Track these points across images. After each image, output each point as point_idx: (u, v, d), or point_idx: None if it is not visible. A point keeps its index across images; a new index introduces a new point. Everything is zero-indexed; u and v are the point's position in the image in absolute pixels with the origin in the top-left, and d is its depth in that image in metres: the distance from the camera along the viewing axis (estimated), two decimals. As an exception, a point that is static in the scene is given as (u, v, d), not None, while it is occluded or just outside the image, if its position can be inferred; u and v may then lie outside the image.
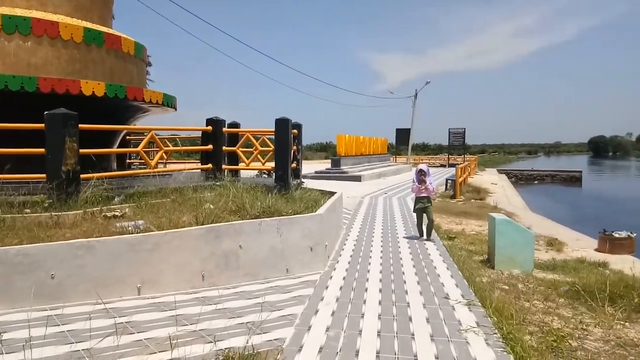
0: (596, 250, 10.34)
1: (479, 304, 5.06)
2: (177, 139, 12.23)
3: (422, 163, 9.30)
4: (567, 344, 4.32)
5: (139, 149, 7.33)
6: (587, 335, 4.71)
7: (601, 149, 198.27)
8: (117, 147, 9.75)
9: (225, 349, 3.64)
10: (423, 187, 8.60)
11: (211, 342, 3.81)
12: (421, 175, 8.62)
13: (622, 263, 8.71)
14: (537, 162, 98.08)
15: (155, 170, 7.75)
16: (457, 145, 45.65)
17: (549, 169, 53.76)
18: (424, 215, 8.62)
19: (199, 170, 9.35)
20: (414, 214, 9.08)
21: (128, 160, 12.16)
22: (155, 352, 3.55)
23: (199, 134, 9.14)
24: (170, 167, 10.83)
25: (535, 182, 45.63)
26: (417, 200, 8.69)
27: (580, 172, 48.22)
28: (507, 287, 6.30)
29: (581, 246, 10.78)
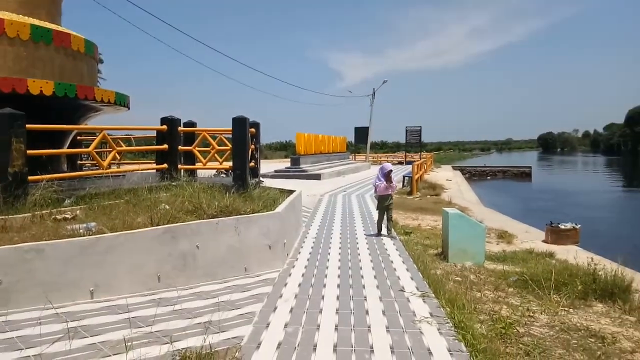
0: (544, 241, 10.85)
1: (433, 295, 5.23)
2: (132, 139, 11.93)
3: (386, 162, 9.49)
4: (515, 330, 4.53)
5: (90, 149, 7.12)
6: (534, 321, 4.95)
7: (550, 145, 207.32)
8: (68, 148, 9.42)
9: (182, 349, 3.62)
10: (389, 186, 8.82)
11: (168, 343, 3.77)
12: (390, 174, 8.85)
13: (567, 253, 9.18)
14: (490, 158, 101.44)
15: (108, 171, 7.55)
16: (414, 143, 46.57)
17: (501, 165, 55.76)
18: (386, 212, 8.85)
19: (154, 170, 9.18)
20: (376, 211, 9.25)
21: (79, 162, 11.76)
22: (110, 355, 3.49)
23: (154, 133, 8.96)
24: (123, 167, 10.56)
25: (488, 177, 47.19)
26: (383, 198, 8.85)
27: (530, 167, 50.23)
28: (459, 279, 6.53)
29: (530, 238, 11.28)
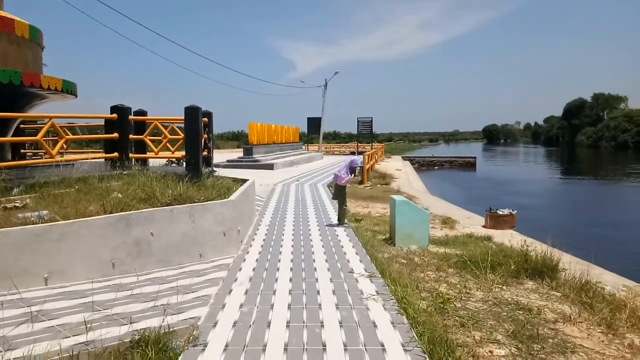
0: (483, 226, 11.56)
1: (379, 276, 5.60)
2: (77, 128, 11.62)
3: (354, 155, 9.86)
4: (453, 305, 4.96)
5: (38, 137, 6.98)
6: (470, 297, 5.41)
7: (494, 137, 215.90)
8: (12, 136, 9.12)
9: (141, 329, 3.78)
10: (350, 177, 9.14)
11: (126, 324, 3.91)
12: (357, 168, 9.24)
13: (504, 237, 9.86)
14: (438, 149, 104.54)
15: (57, 159, 7.42)
16: (365, 133, 47.35)
17: (448, 155, 57.76)
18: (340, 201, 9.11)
19: (103, 159, 9.06)
20: (333, 200, 9.61)
21: (22, 150, 11.36)
22: (70, 336, 3.60)
23: (98, 122, 8.81)
24: (72, 156, 10.31)
25: (436, 167, 48.83)
26: (342, 188, 9.06)
27: (475, 158, 52.36)
28: (405, 261, 6.95)
29: (471, 223, 11.98)
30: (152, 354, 3.51)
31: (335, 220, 9.24)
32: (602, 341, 4.42)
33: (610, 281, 7.45)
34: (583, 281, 6.07)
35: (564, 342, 4.19)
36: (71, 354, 3.33)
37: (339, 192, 9.11)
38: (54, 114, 7.32)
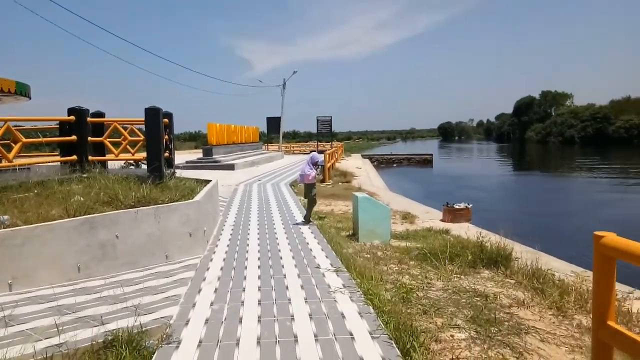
0: (441, 220, 12.01)
1: (345, 270, 5.80)
2: (36, 131, 11.25)
3: (314, 152, 9.85)
4: (415, 295, 5.21)
5: (-7, 141, 6.78)
6: (431, 287, 5.69)
7: (449, 134, 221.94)
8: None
9: (113, 330, 3.80)
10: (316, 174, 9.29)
11: (97, 325, 3.93)
12: (318, 162, 9.26)
13: (461, 229, 10.30)
14: (396, 147, 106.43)
15: (15, 163, 7.21)
16: (324, 132, 47.62)
17: (406, 153, 58.90)
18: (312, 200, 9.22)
19: (59, 162, 8.84)
20: (301, 199, 9.72)
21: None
22: (42, 339, 3.59)
23: (47, 124, 8.56)
24: (25, 160, 9.98)
25: (394, 165, 49.77)
26: (311, 186, 9.12)
27: (431, 155, 53.72)
28: (368, 256, 7.19)
29: (430, 218, 12.41)
30: (126, 353, 3.55)
31: (299, 219, 9.38)
32: (553, 322, 4.78)
33: (559, 268, 7.94)
34: (534, 268, 6.49)
35: (518, 325, 4.49)
36: (45, 356, 3.33)
37: (308, 190, 9.15)
38: (9, 116, 7.10)
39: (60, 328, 3.78)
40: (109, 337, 3.67)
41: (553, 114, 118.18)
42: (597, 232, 3.03)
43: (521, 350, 3.93)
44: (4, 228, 4.98)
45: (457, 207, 11.97)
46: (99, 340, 3.64)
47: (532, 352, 3.94)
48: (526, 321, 4.65)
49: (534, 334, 4.33)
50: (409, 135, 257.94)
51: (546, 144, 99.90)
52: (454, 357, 3.73)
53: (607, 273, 2.95)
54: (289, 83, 46.46)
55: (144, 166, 13.45)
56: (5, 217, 5.27)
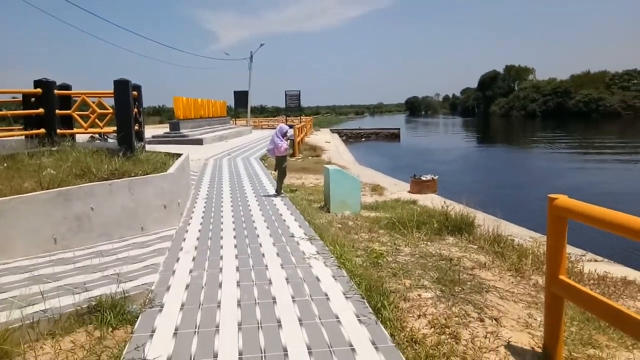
0: (409, 192, 12.41)
1: (319, 238, 6.04)
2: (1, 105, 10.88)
3: (282, 124, 9.65)
4: (385, 259, 5.50)
5: (-43, 113, 6.60)
6: (400, 252, 5.99)
7: (415, 108, 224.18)
8: None
9: (96, 296, 3.93)
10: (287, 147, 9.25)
11: (80, 292, 4.04)
12: (290, 137, 9.32)
13: (427, 200, 10.69)
14: (364, 121, 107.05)
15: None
16: (293, 107, 47.42)
17: (374, 127, 59.45)
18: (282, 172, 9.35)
19: (24, 136, 8.66)
20: (272, 172, 9.77)
21: None
22: (26, 306, 3.69)
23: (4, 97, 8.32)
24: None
25: (363, 139, 50.23)
26: (282, 159, 9.25)
27: (399, 129, 54.45)
28: (340, 225, 7.44)
29: (398, 190, 12.80)
30: (110, 317, 3.69)
31: (271, 191, 9.53)
32: (512, 282, 5.16)
33: (519, 233, 8.41)
34: (495, 234, 6.89)
35: (480, 284, 4.84)
36: (32, 320, 3.44)
37: (280, 163, 9.25)
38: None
39: (44, 295, 3.87)
40: (93, 303, 3.80)
41: (516, 88, 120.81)
42: (550, 195, 3.34)
43: (482, 306, 4.26)
44: (-24, 201, 4.95)
45: (423, 178, 12.37)
46: (83, 306, 3.76)
47: (492, 307, 4.28)
48: (487, 281, 5.00)
49: (494, 292, 4.68)
50: (377, 109, 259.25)
51: (509, 118, 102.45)
52: (421, 313, 4.03)
53: (559, 231, 3.27)
54: (256, 56, 45.86)
55: (111, 140, 13.29)
56: (-23, 190, 5.23)
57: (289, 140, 9.37)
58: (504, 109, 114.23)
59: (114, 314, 3.72)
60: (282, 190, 9.55)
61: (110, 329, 3.61)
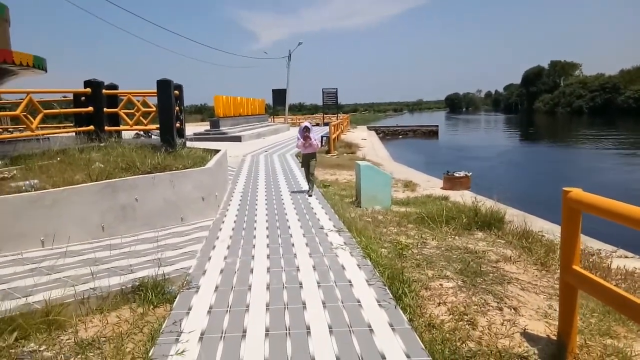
0: (442, 188, 12.44)
1: (347, 230, 6.27)
2: (54, 103, 11.71)
3: (304, 121, 9.65)
4: (410, 251, 5.68)
5: (18, 112, 7.22)
6: (426, 245, 6.14)
7: (456, 105, 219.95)
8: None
9: (140, 278, 4.31)
10: (307, 144, 9.11)
11: (125, 274, 4.44)
12: (305, 132, 9.10)
13: (460, 196, 10.70)
14: (402, 119, 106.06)
15: (38, 133, 7.67)
16: (330, 104, 47.75)
17: (412, 124, 58.94)
18: (308, 169, 9.28)
19: (74, 133, 9.30)
20: (302, 169, 9.70)
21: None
22: (79, 284, 4.11)
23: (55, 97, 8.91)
24: (46, 131, 10.44)
25: (400, 136, 49.91)
26: (305, 156, 9.32)
27: (437, 126, 53.74)
28: (369, 219, 7.63)
29: (430, 186, 12.84)
30: (152, 296, 4.07)
31: (305, 187, 9.81)
32: (536, 275, 5.23)
33: (550, 229, 8.31)
34: (524, 230, 6.92)
35: (502, 276, 4.95)
36: (83, 297, 3.85)
37: (302, 159, 9.34)
38: (31, 89, 7.52)
39: (94, 276, 4.29)
40: (137, 284, 4.18)
41: (562, 84, 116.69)
42: (565, 188, 3.45)
43: (502, 296, 4.39)
44: (34, 191, 5.46)
45: (457, 175, 12.37)
46: (127, 286, 4.15)
47: (512, 298, 4.40)
48: (510, 274, 5.10)
49: (515, 284, 4.78)
50: (416, 106, 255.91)
51: (554, 115, 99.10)
52: (441, 301, 4.21)
53: (573, 223, 3.39)
54: (294, 55, 46.35)
55: (154, 136, 13.93)
56: (35, 181, 5.76)
57: (310, 139, 9.10)
58: (549, 106, 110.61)
59: (155, 294, 4.09)
60: (316, 187, 9.78)
61: (152, 307, 3.98)
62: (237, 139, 23.75)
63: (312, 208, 7.82)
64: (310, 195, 8.91)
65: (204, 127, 29.72)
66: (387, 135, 49.93)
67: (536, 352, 3.38)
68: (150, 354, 3.13)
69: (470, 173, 12.56)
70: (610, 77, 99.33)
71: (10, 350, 3.18)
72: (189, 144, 11.58)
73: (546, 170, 23.35)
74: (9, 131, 11.04)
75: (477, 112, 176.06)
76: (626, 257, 6.76)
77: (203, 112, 79.86)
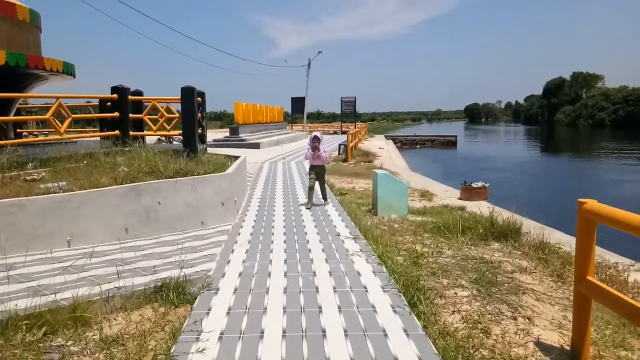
0: (459, 198, 12.41)
1: (363, 237, 6.36)
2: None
3: (316, 131, 9.41)
4: (426, 260, 5.73)
5: (47, 116, 7.50)
6: (441, 254, 6.19)
7: (475, 116, 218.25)
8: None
9: (162, 278, 4.46)
10: (315, 155, 8.66)
11: (148, 275, 4.60)
12: (315, 142, 8.66)
13: (477, 207, 10.69)
14: (420, 128, 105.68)
15: (65, 136, 7.96)
16: (348, 113, 47.93)
17: (430, 134, 58.72)
18: (317, 182, 8.79)
19: (99, 137, 9.59)
20: (308, 181, 8.90)
21: (19, 130, 11.76)
22: (104, 283, 4.27)
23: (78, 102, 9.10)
24: (73, 135, 10.79)
25: (418, 146, 49.77)
26: (311, 167, 8.85)
27: (456, 136, 53.46)
28: (385, 228, 7.70)
29: (448, 196, 12.82)
30: (173, 296, 4.21)
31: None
32: (552, 287, 5.24)
33: (568, 242, 8.29)
34: (541, 241, 6.90)
35: (517, 286, 4.97)
36: (108, 295, 4.01)
37: (310, 172, 8.83)
38: (61, 94, 7.81)
39: (119, 275, 4.46)
40: (159, 284, 4.33)
41: (584, 96, 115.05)
42: (580, 199, 3.50)
43: (516, 306, 4.42)
44: (61, 192, 5.68)
45: (474, 185, 12.35)
46: (150, 286, 4.30)
47: (527, 308, 4.43)
48: (526, 284, 5.12)
49: (531, 295, 4.81)
50: (435, 116, 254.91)
51: (576, 127, 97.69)
52: (455, 309, 4.26)
53: (588, 234, 3.43)
54: (313, 63, 46.73)
55: (175, 142, 14.22)
56: (63, 183, 5.98)
57: (319, 150, 8.63)
58: (570, 118, 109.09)
59: (177, 294, 4.23)
60: (329, 190, 9.79)
61: (173, 307, 4.12)
62: (256, 146, 24.03)
63: (329, 215, 7.93)
64: (308, 209, 8.37)
65: (223, 133, 30.12)
66: (404, 144, 49.84)
67: (549, 361, 3.42)
68: (172, 352, 3.26)
69: (488, 184, 12.52)
70: (634, 89, 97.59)
71: (39, 345, 3.33)
72: (209, 150, 11.82)
73: (565, 182, 23.09)
74: (35, 135, 11.43)
75: (496, 122, 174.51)
76: (645, 271, 6.69)
77: (222, 118, 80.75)
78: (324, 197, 9.05)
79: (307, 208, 8.43)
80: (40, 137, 9.65)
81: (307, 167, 15.52)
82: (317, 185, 8.96)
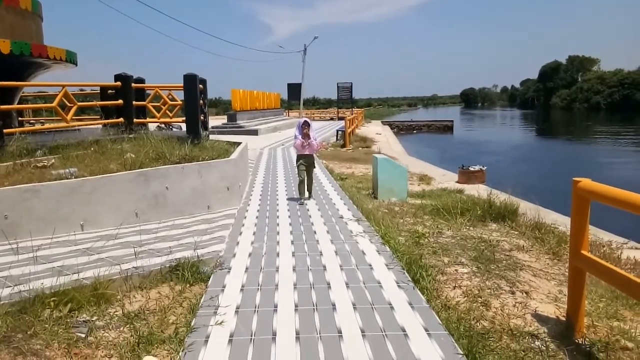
0: (457, 182, 12.65)
1: (365, 219, 6.56)
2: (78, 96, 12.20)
3: (303, 117, 8.50)
4: (427, 240, 5.96)
5: (54, 104, 7.63)
6: (441, 235, 6.41)
7: (471, 100, 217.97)
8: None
9: (177, 259, 4.67)
10: (307, 143, 7.79)
11: (163, 255, 4.80)
12: (305, 129, 7.82)
13: (475, 190, 10.92)
14: (416, 113, 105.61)
15: (72, 124, 8.08)
16: (345, 99, 47.91)
17: (426, 119, 58.83)
18: (306, 175, 7.88)
19: (102, 125, 9.71)
20: (298, 174, 7.87)
21: (20, 118, 11.86)
22: (120, 264, 4.47)
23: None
24: (77, 122, 10.89)
25: (414, 131, 49.94)
26: (301, 157, 7.87)
27: (452, 121, 53.65)
28: (386, 210, 7.92)
29: (446, 180, 13.06)
30: (188, 275, 4.42)
31: (322, 178, 10.09)
32: (548, 264, 5.48)
33: (563, 222, 8.53)
34: (537, 221, 7.14)
35: (515, 263, 5.21)
36: (126, 275, 4.21)
37: (297, 161, 7.96)
38: (66, 82, 7.92)
39: (136, 256, 4.66)
40: (174, 264, 4.53)
41: (579, 79, 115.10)
42: (575, 178, 3.71)
43: (514, 281, 4.65)
44: (73, 178, 5.85)
45: (472, 169, 12.57)
46: (166, 266, 4.50)
47: (524, 283, 4.67)
48: (523, 261, 5.35)
49: (528, 271, 5.04)
50: (431, 101, 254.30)
51: (571, 111, 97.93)
52: (456, 285, 4.49)
53: (582, 211, 3.64)
54: (309, 49, 46.60)
55: (175, 129, 14.35)
56: (74, 169, 6.15)
57: (309, 137, 7.84)
58: (566, 101, 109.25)
59: (191, 273, 4.44)
60: (330, 175, 10.02)
61: (188, 285, 4.33)
62: (254, 132, 24.12)
63: (331, 199, 8.12)
64: (302, 204, 7.57)
65: (220, 120, 30.19)
66: (401, 129, 49.99)
67: (546, 330, 3.64)
68: (192, 324, 3.47)
69: (485, 167, 12.75)
70: (629, 73, 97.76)
71: (67, 320, 3.54)
72: (210, 136, 11.95)
73: (561, 165, 23.38)
74: (41, 123, 11.54)
75: (492, 107, 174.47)
76: (637, 248, 6.95)
77: (218, 105, 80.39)
78: (310, 192, 8.06)
79: (301, 204, 7.59)
80: (47, 125, 9.77)
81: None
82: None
